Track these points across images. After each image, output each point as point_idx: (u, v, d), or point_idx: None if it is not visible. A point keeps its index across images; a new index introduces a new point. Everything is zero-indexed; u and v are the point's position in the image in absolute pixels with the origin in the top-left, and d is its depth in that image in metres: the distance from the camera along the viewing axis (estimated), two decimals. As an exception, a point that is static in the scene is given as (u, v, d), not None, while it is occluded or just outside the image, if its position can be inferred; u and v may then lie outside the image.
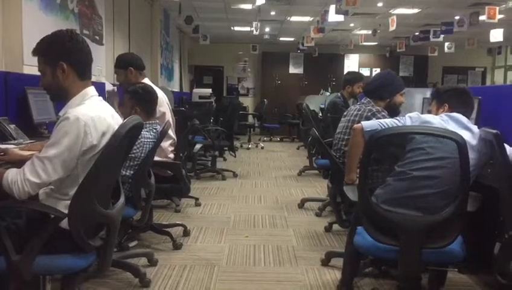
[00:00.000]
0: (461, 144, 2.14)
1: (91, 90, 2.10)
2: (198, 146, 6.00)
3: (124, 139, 1.94)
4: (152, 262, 3.32)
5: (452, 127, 2.42)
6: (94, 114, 1.97)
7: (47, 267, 1.93)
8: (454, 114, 2.51)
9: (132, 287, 2.96)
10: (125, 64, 3.90)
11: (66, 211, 1.88)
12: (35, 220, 1.93)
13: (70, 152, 1.90)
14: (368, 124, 2.65)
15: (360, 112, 3.32)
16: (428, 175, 2.28)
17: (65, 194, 1.96)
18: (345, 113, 3.56)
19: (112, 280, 3.05)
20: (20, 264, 1.82)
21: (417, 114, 2.57)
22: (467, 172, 2.17)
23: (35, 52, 2.05)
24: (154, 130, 3.33)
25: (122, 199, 2.18)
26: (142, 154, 3.15)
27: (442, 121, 2.48)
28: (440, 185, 2.26)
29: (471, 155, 2.25)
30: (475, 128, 2.45)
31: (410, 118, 2.56)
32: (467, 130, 2.41)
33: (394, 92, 3.34)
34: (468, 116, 2.57)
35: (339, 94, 5.57)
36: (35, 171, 1.88)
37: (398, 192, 2.32)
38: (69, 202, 1.89)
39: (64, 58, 2.02)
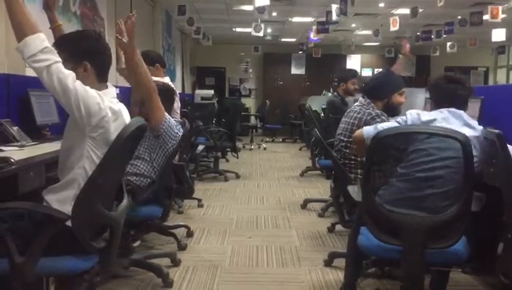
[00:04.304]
0: (465, 144, 2.14)
1: (111, 91, 2.12)
2: (200, 147, 5.99)
3: (128, 140, 1.95)
4: (175, 262, 3.34)
5: (453, 122, 2.40)
6: (115, 107, 2.04)
7: (50, 268, 1.93)
8: (455, 109, 2.48)
9: (155, 287, 2.99)
10: (153, 61, 3.90)
11: (69, 213, 1.89)
12: (39, 221, 1.93)
13: (87, 94, 1.94)
14: (369, 133, 2.65)
15: (359, 116, 3.29)
16: (432, 176, 2.27)
17: (69, 196, 1.97)
18: (345, 114, 3.54)
19: (135, 280, 3.08)
20: (24, 266, 1.82)
21: (417, 113, 2.54)
22: (471, 172, 2.17)
23: (58, 46, 2.04)
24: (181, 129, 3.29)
25: (125, 201, 2.18)
26: (172, 148, 3.11)
27: (442, 118, 2.45)
28: (443, 185, 2.25)
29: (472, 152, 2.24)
30: (476, 124, 2.44)
31: (410, 118, 2.53)
32: (468, 127, 2.40)
33: (391, 92, 3.30)
34: (465, 103, 2.53)
35: (335, 93, 5.59)
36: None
37: (401, 193, 2.31)
38: (73, 203, 1.89)
39: (89, 58, 2.04)
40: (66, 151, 2.04)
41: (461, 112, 2.47)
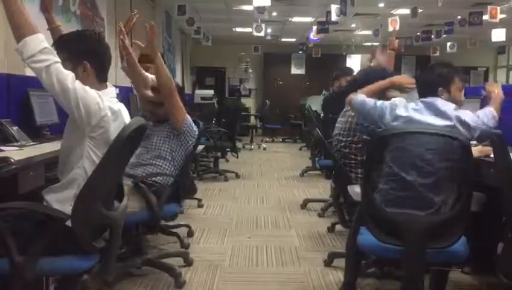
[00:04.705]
0: (465, 144, 2.13)
1: (111, 91, 2.12)
2: (200, 147, 5.99)
3: (128, 141, 1.95)
4: (188, 262, 3.36)
5: (425, 113, 2.39)
6: (115, 107, 2.05)
7: (50, 268, 1.93)
8: (428, 99, 2.46)
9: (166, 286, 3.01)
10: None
11: (69, 213, 1.89)
12: (39, 221, 1.93)
13: (86, 94, 1.93)
14: (356, 100, 2.71)
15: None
16: (413, 173, 2.27)
17: (69, 196, 1.97)
18: (342, 113, 3.53)
19: (147, 279, 3.10)
20: (24, 265, 1.82)
21: (396, 104, 2.51)
22: (471, 171, 2.17)
23: (58, 46, 2.03)
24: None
25: (125, 201, 2.18)
26: (191, 147, 3.19)
27: (415, 110, 2.44)
28: (427, 178, 2.25)
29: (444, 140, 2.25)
30: (450, 110, 2.38)
31: (389, 109, 2.51)
32: (440, 117, 2.37)
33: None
34: (432, 87, 2.49)
35: (331, 92, 5.64)
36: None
37: (390, 194, 2.32)
38: (72, 202, 1.89)
39: (89, 58, 2.04)
40: (66, 152, 2.04)
41: (433, 100, 2.43)
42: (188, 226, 4.12)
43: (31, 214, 1.98)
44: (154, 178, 3.01)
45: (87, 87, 1.95)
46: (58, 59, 1.90)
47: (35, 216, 1.96)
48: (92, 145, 1.98)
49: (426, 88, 2.51)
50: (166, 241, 3.83)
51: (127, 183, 2.84)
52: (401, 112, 2.46)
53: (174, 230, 3.91)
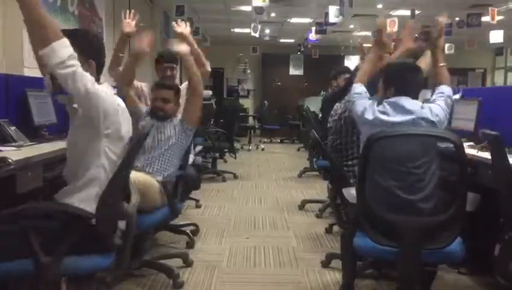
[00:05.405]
0: (459, 145, 2.14)
1: (109, 86, 2.14)
2: (198, 148, 5.99)
3: (143, 140, 2.00)
4: (187, 263, 3.36)
5: (395, 115, 2.44)
6: (120, 102, 2.12)
7: (73, 267, 1.94)
8: (394, 100, 2.50)
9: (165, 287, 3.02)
10: (178, 60, 3.93)
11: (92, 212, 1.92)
12: (63, 221, 1.93)
13: (106, 95, 1.99)
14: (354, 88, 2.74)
15: (342, 109, 3.40)
16: (388, 177, 2.28)
17: (90, 195, 1.99)
18: (332, 113, 3.57)
19: (147, 279, 3.11)
20: (49, 265, 1.83)
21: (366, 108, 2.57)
22: (465, 173, 2.17)
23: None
24: None
25: (134, 199, 2.19)
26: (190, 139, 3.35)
27: (382, 112, 2.49)
28: (406, 179, 2.26)
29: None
30: (418, 107, 2.45)
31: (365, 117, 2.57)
32: (409, 115, 2.42)
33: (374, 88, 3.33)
34: (413, 93, 2.54)
35: (329, 91, 5.67)
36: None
37: (375, 201, 2.31)
38: (94, 201, 1.94)
39: (94, 57, 2.08)
40: (80, 153, 2.04)
41: (401, 100, 2.49)
42: (195, 225, 4.16)
43: (57, 214, 1.98)
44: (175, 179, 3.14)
45: (100, 87, 1.99)
46: (79, 63, 1.90)
47: (61, 216, 1.96)
48: (108, 142, 2.02)
49: (404, 87, 2.56)
50: (170, 241, 3.85)
51: (154, 184, 2.90)
52: (369, 115, 2.51)
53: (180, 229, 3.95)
